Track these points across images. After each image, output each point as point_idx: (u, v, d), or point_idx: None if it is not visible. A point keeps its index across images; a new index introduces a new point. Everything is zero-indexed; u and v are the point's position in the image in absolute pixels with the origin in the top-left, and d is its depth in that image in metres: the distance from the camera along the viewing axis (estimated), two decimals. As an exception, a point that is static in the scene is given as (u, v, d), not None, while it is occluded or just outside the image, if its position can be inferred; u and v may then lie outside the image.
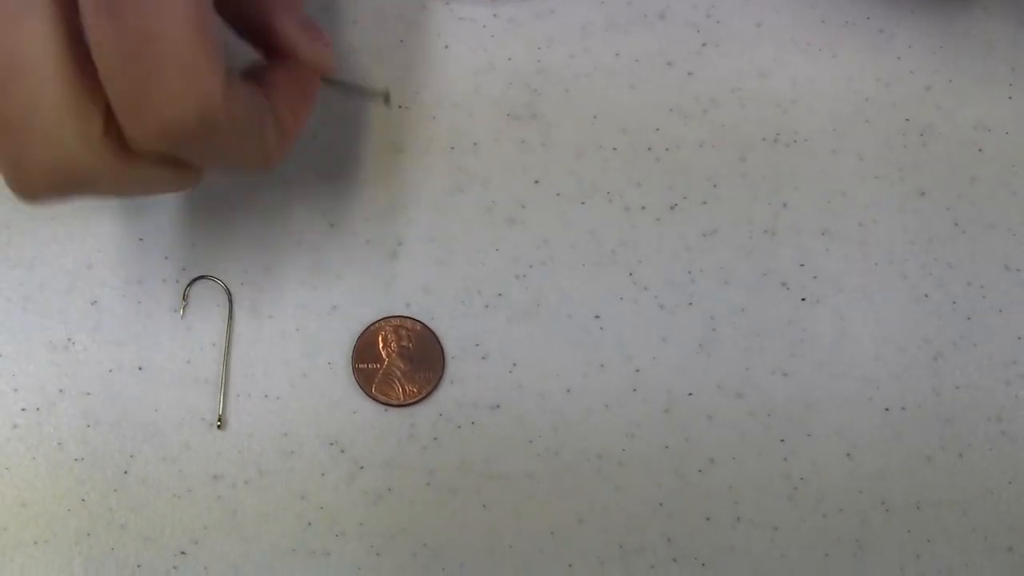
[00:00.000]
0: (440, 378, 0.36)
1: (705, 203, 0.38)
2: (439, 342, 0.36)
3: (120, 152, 0.25)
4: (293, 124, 0.29)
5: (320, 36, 0.30)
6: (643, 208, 0.37)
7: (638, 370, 0.36)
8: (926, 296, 0.38)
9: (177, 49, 0.23)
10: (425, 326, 0.36)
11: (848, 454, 0.36)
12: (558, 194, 0.37)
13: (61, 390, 0.36)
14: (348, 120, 0.37)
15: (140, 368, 0.36)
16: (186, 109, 0.24)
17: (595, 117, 0.38)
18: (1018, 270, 0.38)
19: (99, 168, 0.25)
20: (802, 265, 0.38)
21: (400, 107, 0.37)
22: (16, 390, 0.36)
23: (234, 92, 0.25)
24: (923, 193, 0.38)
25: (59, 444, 0.35)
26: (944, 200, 0.39)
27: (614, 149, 0.38)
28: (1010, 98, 0.40)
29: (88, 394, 0.36)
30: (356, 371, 0.35)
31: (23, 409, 0.36)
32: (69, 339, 0.36)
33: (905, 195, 0.38)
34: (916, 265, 0.38)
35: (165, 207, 0.36)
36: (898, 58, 0.39)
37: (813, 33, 0.39)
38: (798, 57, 0.39)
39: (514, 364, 0.36)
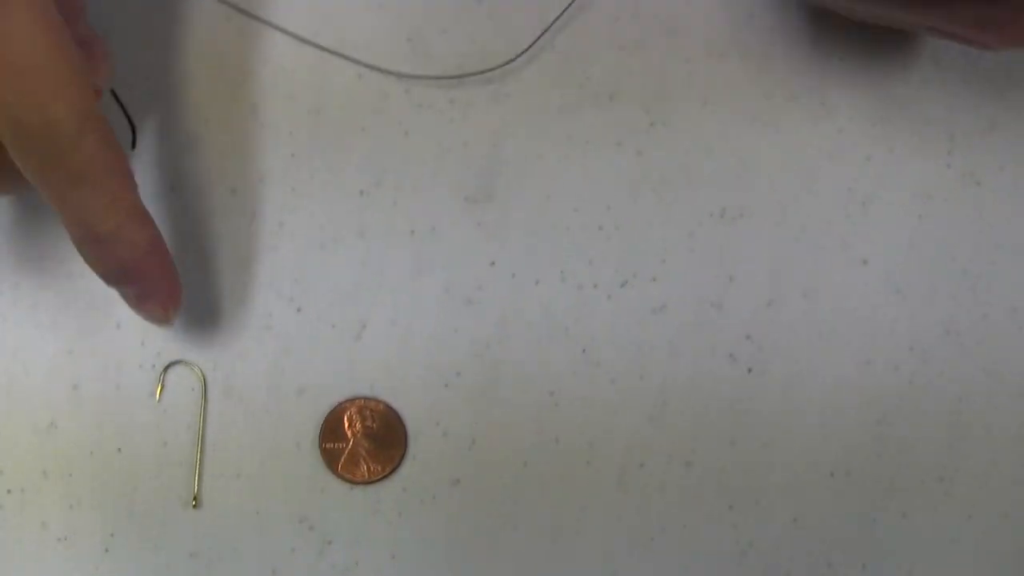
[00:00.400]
0: (403, 455, 0.37)
1: (655, 279, 0.39)
2: (402, 421, 0.38)
3: None
4: None
5: (93, 53, 0.31)
6: (595, 286, 0.39)
7: (591, 443, 0.38)
8: (868, 363, 0.40)
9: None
10: (388, 406, 0.38)
11: (795, 519, 0.38)
12: (513, 275, 0.39)
13: (44, 472, 0.38)
14: (313, 210, 0.39)
15: (119, 450, 0.38)
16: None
17: (548, 198, 0.39)
18: (958, 334, 0.40)
19: None
20: (748, 337, 0.39)
21: (362, 192, 0.39)
22: (2, 473, 0.38)
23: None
24: (865, 261, 0.40)
25: (43, 524, 0.37)
26: (886, 268, 0.40)
27: (567, 229, 0.39)
28: (948, 166, 0.41)
29: (70, 475, 0.38)
30: (323, 451, 0.37)
31: (8, 491, 0.38)
32: (52, 423, 0.38)
33: (848, 264, 0.40)
34: (859, 332, 0.40)
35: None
36: (840, 130, 0.41)
37: (758, 108, 0.41)
38: (744, 132, 0.40)
39: (473, 440, 0.38)
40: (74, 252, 0.32)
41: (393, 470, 0.37)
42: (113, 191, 0.29)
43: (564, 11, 0.39)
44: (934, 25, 0.34)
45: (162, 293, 0.33)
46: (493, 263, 0.39)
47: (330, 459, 0.37)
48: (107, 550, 0.37)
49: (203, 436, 0.37)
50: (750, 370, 0.39)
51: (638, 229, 0.40)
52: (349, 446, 0.37)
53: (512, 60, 0.39)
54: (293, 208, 0.39)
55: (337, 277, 0.39)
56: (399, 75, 0.39)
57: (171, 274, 0.33)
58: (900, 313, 0.40)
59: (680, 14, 0.41)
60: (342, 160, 0.39)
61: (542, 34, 0.39)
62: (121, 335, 0.38)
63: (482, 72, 0.39)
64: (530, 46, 0.39)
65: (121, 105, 0.35)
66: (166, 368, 0.38)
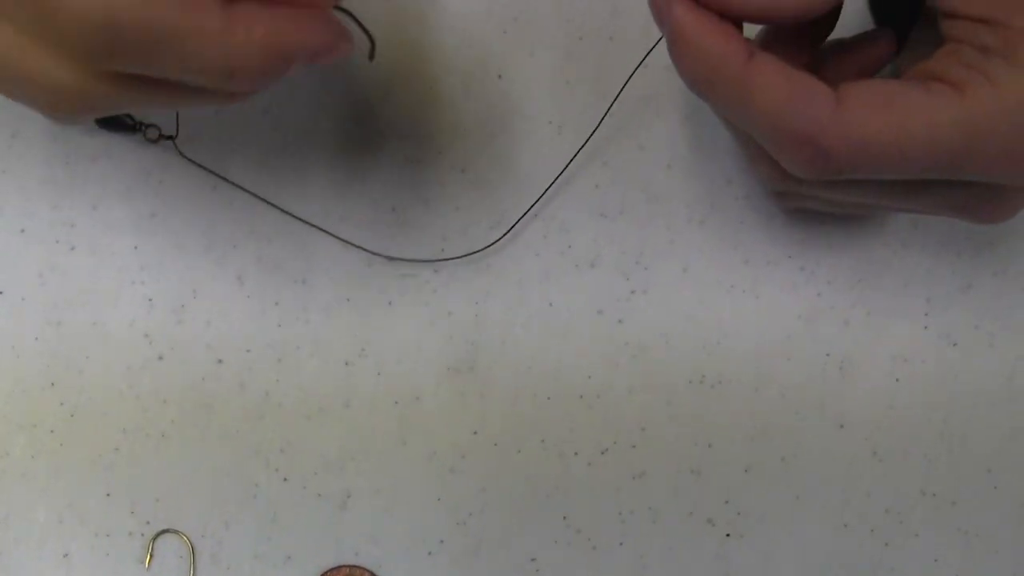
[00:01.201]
0: (387, 627, 0.38)
1: (634, 447, 0.40)
2: (385, 592, 0.38)
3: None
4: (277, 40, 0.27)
5: None
6: (576, 454, 0.40)
7: (571, 615, 0.39)
8: (845, 526, 0.40)
9: None
10: (373, 574, 0.39)
11: None
12: (495, 444, 0.40)
13: (37, 639, 0.39)
14: (299, 381, 0.40)
15: (109, 618, 0.39)
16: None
17: (530, 368, 0.40)
18: (934, 495, 0.41)
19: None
20: (727, 502, 0.40)
21: (347, 363, 0.40)
22: (-4, 640, 0.39)
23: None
24: (842, 425, 0.41)
25: None
26: (862, 430, 0.41)
27: (548, 398, 0.40)
28: (926, 328, 0.42)
29: (62, 643, 0.39)
30: (309, 621, 0.38)
31: (2, 659, 0.38)
32: (43, 590, 0.39)
33: (825, 427, 0.41)
34: (836, 495, 0.40)
35: (129, 461, 0.39)
36: (818, 294, 0.42)
37: (737, 274, 0.41)
38: (723, 299, 0.41)
39: (455, 612, 0.39)
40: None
41: (377, 641, 0.38)
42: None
43: (548, 189, 0.40)
44: (914, 211, 0.34)
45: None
46: (476, 432, 0.40)
47: (316, 629, 0.38)
48: None
49: (191, 605, 0.38)
50: (728, 535, 0.40)
51: (618, 397, 0.40)
52: (335, 616, 0.38)
53: (494, 242, 0.40)
54: (279, 378, 0.40)
55: (323, 446, 0.40)
56: (384, 256, 0.40)
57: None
58: (876, 475, 0.41)
59: (660, 181, 0.41)
60: (328, 330, 0.40)
61: (524, 213, 0.40)
62: (110, 503, 0.39)
63: (464, 256, 0.40)
64: (512, 227, 0.40)
65: (355, 19, 0.32)
66: (155, 536, 0.39)
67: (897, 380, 0.41)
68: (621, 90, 0.38)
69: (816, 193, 0.34)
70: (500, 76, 0.42)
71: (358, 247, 0.40)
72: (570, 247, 0.41)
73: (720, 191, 0.41)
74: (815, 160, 0.29)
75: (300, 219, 0.40)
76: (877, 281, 0.42)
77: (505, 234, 0.40)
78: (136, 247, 0.40)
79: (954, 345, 0.42)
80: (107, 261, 0.40)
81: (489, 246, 0.40)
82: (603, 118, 0.39)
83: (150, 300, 0.40)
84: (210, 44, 0.25)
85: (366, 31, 0.32)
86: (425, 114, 0.41)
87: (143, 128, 0.40)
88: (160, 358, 0.40)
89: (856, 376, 0.41)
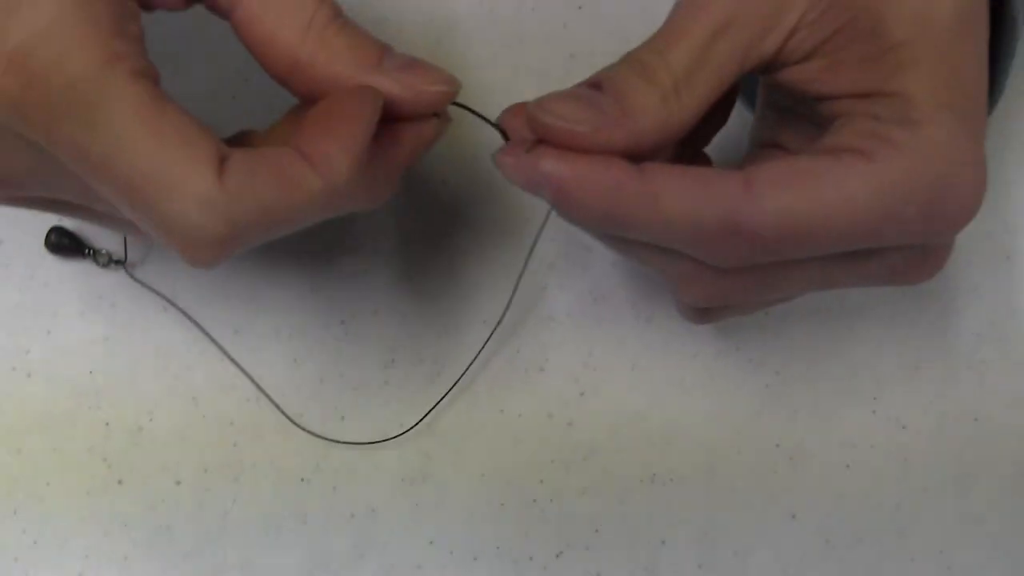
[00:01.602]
0: None
1: (588, 548, 0.41)
2: None
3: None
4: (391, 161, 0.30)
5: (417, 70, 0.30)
6: (531, 559, 0.41)
7: None
8: (800, 615, 0.41)
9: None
10: None
11: None
12: (451, 552, 0.41)
13: None
14: (257, 498, 0.41)
15: None
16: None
17: (483, 475, 0.41)
18: (887, 579, 0.42)
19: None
20: (682, 598, 0.41)
21: (303, 480, 0.41)
22: None
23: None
24: (794, 516, 0.42)
25: None
26: (814, 520, 0.42)
27: (502, 504, 0.41)
28: (874, 412, 0.42)
29: None
30: None
31: None
32: None
33: (777, 519, 0.42)
34: (790, 585, 0.41)
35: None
36: (767, 386, 0.42)
37: (686, 369, 0.42)
38: (672, 395, 0.42)
39: None
40: None
41: None
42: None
43: (488, 339, 0.41)
44: (842, 286, 0.34)
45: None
46: (432, 542, 0.41)
47: None
48: None
49: None
50: (684, 632, 0.41)
51: (571, 499, 0.41)
52: None
53: (438, 401, 0.41)
54: (236, 497, 0.40)
55: (282, 564, 0.40)
56: (324, 439, 0.41)
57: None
58: (829, 562, 0.42)
59: (607, 281, 0.42)
60: (282, 447, 0.41)
61: (472, 361, 0.41)
62: (79, 625, 0.40)
63: (406, 430, 0.41)
64: (457, 379, 0.41)
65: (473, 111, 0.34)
66: (123, 657, 0.40)
67: (848, 467, 0.42)
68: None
69: (745, 299, 0.34)
70: (444, 182, 0.42)
71: (302, 427, 0.40)
72: (519, 352, 0.42)
73: (665, 288, 0.42)
74: (740, 247, 0.29)
75: (236, 363, 0.41)
76: (825, 368, 0.43)
77: (445, 394, 0.41)
78: (91, 372, 0.41)
79: (903, 428, 0.42)
80: (63, 387, 0.41)
81: (428, 412, 0.40)
82: (541, 229, 0.39)
83: (107, 425, 0.41)
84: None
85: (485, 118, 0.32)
86: (371, 225, 0.42)
87: (93, 253, 0.41)
88: (120, 482, 0.41)
89: (807, 465, 0.42)
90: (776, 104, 0.35)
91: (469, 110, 0.32)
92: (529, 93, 0.30)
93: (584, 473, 0.41)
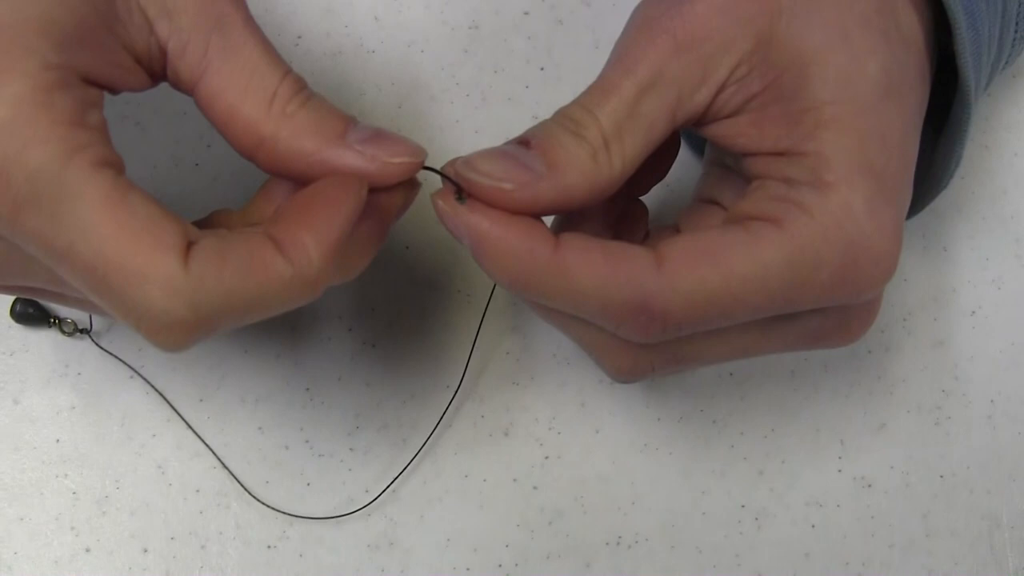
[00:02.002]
0: None
1: (554, 613, 0.41)
2: None
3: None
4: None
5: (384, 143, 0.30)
6: (497, 624, 0.41)
7: None
8: (766, 677, 0.41)
9: None
10: None
11: None
12: (418, 619, 0.41)
13: None
14: (226, 564, 0.41)
15: None
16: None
17: (448, 540, 0.41)
18: (853, 638, 0.42)
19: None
20: (648, 662, 0.41)
21: (269, 547, 0.41)
22: None
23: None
24: (760, 575, 0.42)
25: None
26: (780, 579, 0.42)
27: (467, 569, 0.41)
28: (839, 471, 0.43)
29: None
30: None
31: None
32: None
33: (743, 580, 0.42)
34: (756, 646, 0.41)
35: None
36: (731, 446, 0.42)
37: (649, 433, 0.42)
38: (636, 458, 0.42)
39: None
40: None
41: None
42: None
43: (449, 404, 0.41)
44: (770, 352, 0.34)
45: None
46: (398, 608, 0.41)
47: None
48: None
49: None
50: None
51: (537, 564, 0.41)
52: None
53: (403, 470, 0.41)
54: (203, 564, 0.41)
55: (249, 631, 0.41)
56: (287, 514, 0.41)
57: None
58: (796, 622, 0.42)
59: (570, 344, 0.42)
60: (248, 514, 0.41)
61: (435, 426, 0.41)
62: None
63: (370, 501, 0.41)
64: (418, 451, 0.41)
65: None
66: None
67: (813, 526, 0.42)
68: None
69: (664, 368, 0.34)
70: (407, 247, 0.42)
71: (263, 503, 0.40)
72: (483, 417, 0.42)
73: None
74: (651, 326, 0.29)
75: (199, 435, 0.41)
76: (790, 428, 0.43)
77: (411, 461, 0.41)
78: (58, 440, 0.41)
79: (869, 487, 0.43)
80: (30, 456, 0.41)
81: (399, 473, 0.41)
82: (491, 293, 0.39)
83: (74, 493, 0.41)
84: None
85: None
86: (335, 291, 0.42)
87: (59, 322, 0.41)
88: (87, 550, 0.41)
89: (771, 526, 0.42)
90: (720, 161, 0.35)
91: (435, 171, 0.31)
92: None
93: (550, 537, 0.41)
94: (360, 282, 0.40)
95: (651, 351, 0.32)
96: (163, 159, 0.42)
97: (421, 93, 0.43)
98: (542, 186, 0.29)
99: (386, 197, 0.31)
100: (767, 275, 0.29)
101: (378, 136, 0.31)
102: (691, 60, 0.30)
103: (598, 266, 0.29)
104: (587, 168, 0.29)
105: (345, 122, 0.30)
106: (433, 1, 0.43)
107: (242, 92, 0.29)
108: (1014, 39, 0.35)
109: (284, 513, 0.40)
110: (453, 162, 0.31)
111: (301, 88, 0.30)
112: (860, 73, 0.29)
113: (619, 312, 0.29)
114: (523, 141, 0.30)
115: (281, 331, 0.42)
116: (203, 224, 0.32)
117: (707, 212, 0.35)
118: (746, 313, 0.30)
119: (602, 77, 0.31)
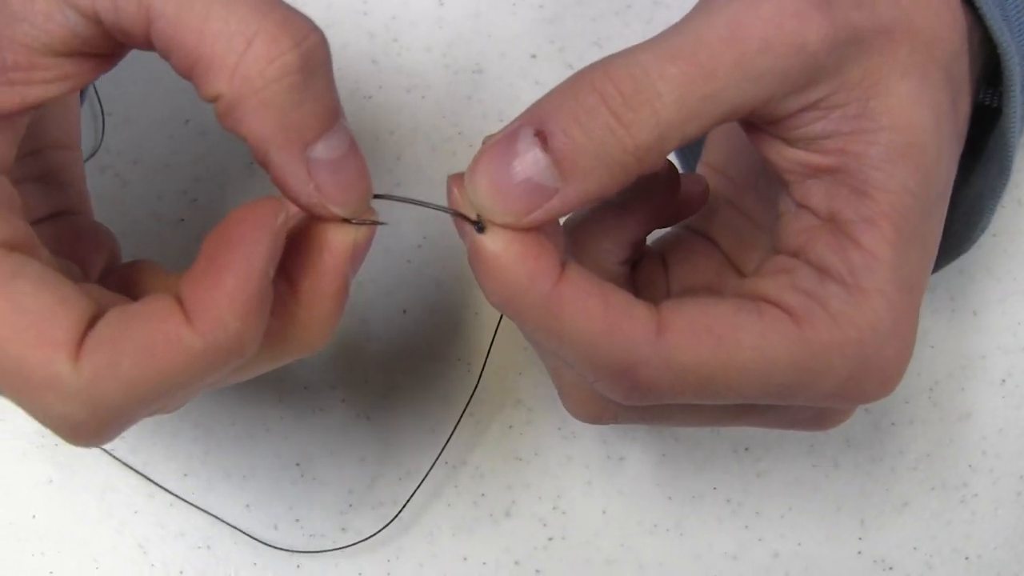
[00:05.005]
0: None
1: None
2: None
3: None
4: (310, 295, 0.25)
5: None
6: None
7: None
8: None
9: None
10: None
11: None
12: None
13: None
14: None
15: None
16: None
17: (445, 627, 0.39)
18: None
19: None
20: None
21: (256, 632, 0.39)
22: None
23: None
24: (773, 664, 0.40)
25: None
26: (795, 668, 0.40)
27: (466, 657, 0.39)
28: (859, 553, 0.40)
29: None
30: None
31: None
32: None
33: (756, 668, 0.40)
34: None
35: None
36: (746, 527, 0.40)
37: (659, 512, 0.40)
38: (645, 540, 0.40)
39: None
40: None
41: None
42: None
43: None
44: (748, 426, 0.32)
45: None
46: None
47: None
48: None
49: None
50: None
51: (538, 651, 0.39)
52: None
53: (397, 513, 0.39)
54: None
55: None
56: (288, 550, 0.39)
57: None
58: None
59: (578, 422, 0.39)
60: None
61: (430, 469, 0.39)
62: None
63: (369, 536, 0.39)
64: (410, 497, 0.39)
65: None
66: None
67: (830, 614, 0.40)
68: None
69: (632, 423, 0.32)
70: (404, 311, 0.40)
71: (266, 543, 0.38)
72: (483, 495, 0.40)
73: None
74: (632, 392, 0.26)
75: (191, 503, 0.39)
76: (807, 507, 0.41)
77: (402, 507, 0.39)
78: (34, 515, 0.39)
79: (890, 570, 0.40)
80: (6, 532, 0.39)
81: (390, 521, 0.39)
82: (486, 359, 0.37)
83: (51, 573, 0.39)
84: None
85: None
86: (326, 358, 0.39)
87: (34, 391, 0.39)
88: (64, 629, 0.39)
89: (787, 611, 0.40)
90: (721, 168, 0.33)
91: (448, 211, 0.27)
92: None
93: (552, 623, 0.39)
94: (353, 349, 0.37)
95: (620, 407, 0.30)
96: (144, 215, 0.39)
97: (421, 143, 0.40)
98: (553, 204, 0.25)
99: (333, 233, 0.26)
100: (770, 371, 0.26)
101: (341, 161, 0.25)
102: (807, 57, 0.25)
103: (594, 319, 0.25)
104: (616, 170, 0.25)
105: (323, 126, 0.24)
106: (435, 43, 0.40)
107: (198, 34, 0.23)
108: None
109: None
110: (459, 183, 0.26)
111: (304, 66, 0.24)
112: (936, 173, 0.26)
113: (603, 370, 0.26)
114: (537, 132, 0.25)
115: (270, 401, 0.39)
116: (127, 269, 0.29)
117: (700, 252, 0.32)
118: (734, 399, 0.27)
119: (689, 31, 0.25)
